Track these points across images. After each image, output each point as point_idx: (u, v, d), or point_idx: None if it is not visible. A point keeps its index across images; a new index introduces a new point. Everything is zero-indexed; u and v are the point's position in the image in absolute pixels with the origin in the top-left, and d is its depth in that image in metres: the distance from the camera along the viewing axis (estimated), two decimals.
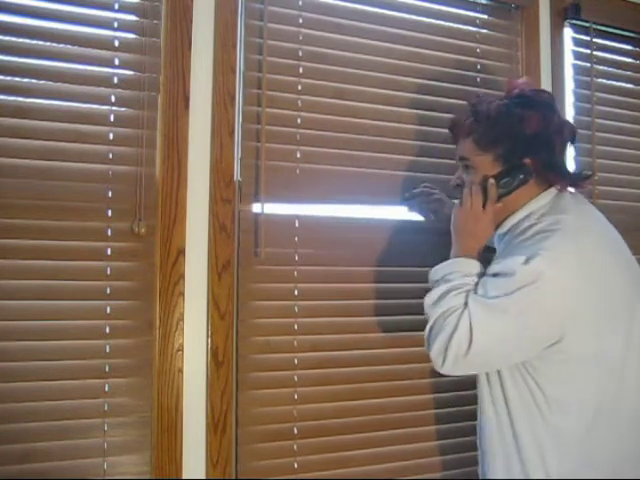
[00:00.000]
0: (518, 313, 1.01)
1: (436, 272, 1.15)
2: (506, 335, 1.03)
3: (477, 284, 1.09)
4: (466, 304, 1.05)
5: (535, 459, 1.06)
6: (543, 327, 1.03)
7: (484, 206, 1.15)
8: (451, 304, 1.06)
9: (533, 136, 1.12)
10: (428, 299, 1.11)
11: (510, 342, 1.04)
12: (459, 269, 1.12)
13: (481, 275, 1.11)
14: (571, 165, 1.26)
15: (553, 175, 1.15)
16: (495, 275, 1.07)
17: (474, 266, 1.12)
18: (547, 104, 1.16)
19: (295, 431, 1.35)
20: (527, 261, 1.01)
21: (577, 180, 1.19)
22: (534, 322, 1.03)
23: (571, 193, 1.19)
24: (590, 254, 1.06)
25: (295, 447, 1.35)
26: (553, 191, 1.16)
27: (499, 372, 1.10)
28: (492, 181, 1.14)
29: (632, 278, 1.14)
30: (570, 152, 1.67)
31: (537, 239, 1.05)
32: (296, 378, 1.36)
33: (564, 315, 1.02)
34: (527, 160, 1.12)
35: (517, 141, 1.12)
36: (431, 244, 1.35)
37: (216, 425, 1.27)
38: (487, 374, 1.13)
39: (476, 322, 1.02)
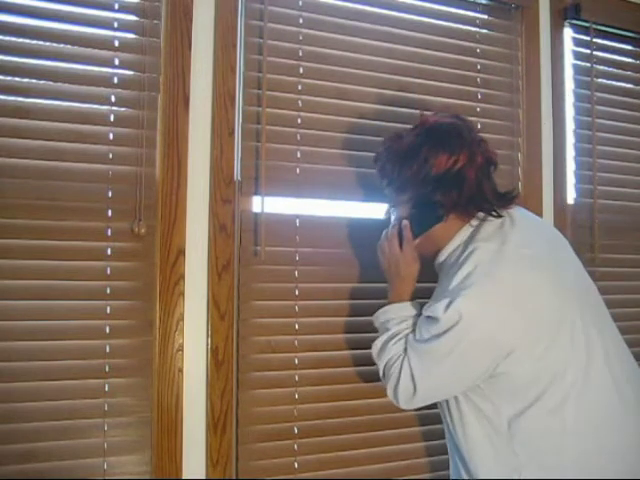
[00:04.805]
0: (450, 353, 1.05)
1: (377, 318, 1.22)
2: (445, 375, 1.09)
3: (415, 324, 1.15)
4: (405, 350, 1.12)
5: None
6: (477, 361, 1.06)
7: (402, 247, 1.20)
8: (392, 353, 1.14)
9: (441, 176, 1.11)
10: (373, 349, 1.19)
11: (450, 379, 1.10)
12: (394, 315, 1.18)
13: (417, 315, 1.17)
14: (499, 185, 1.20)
15: (473, 207, 1.14)
16: (428, 317, 1.10)
17: (407, 309, 1.19)
18: (456, 136, 1.14)
19: (295, 431, 1.35)
20: (448, 306, 1.04)
21: (503, 203, 1.16)
22: (467, 359, 1.06)
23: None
24: (510, 280, 1.06)
25: (295, 447, 1.35)
26: (481, 216, 1.15)
27: (457, 402, 1.13)
28: (405, 222, 1.19)
29: (568, 288, 1.12)
30: (570, 155, 1.70)
31: (457, 277, 1.07)
32: (296, 378, 1.36)
33: (496, 343, 1.04)
34: (439, 198, 1.12)
35: (425, 183, 1.13)
36: None
37: (216, 425, 1.28)
38: (447, 406, 1.16)
39: (415, 369, 1.09)
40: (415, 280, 1.23)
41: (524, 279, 1.08)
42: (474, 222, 1.16)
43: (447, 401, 1.16)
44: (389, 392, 1.15)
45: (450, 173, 1.11)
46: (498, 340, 1.04)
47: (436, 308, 1.06)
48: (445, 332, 1.04)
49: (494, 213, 1.15)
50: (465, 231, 1.16)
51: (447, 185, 1.12)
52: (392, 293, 1.23)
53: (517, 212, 1.20)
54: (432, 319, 1.08)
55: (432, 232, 1.17)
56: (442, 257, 1.19)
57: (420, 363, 1.09)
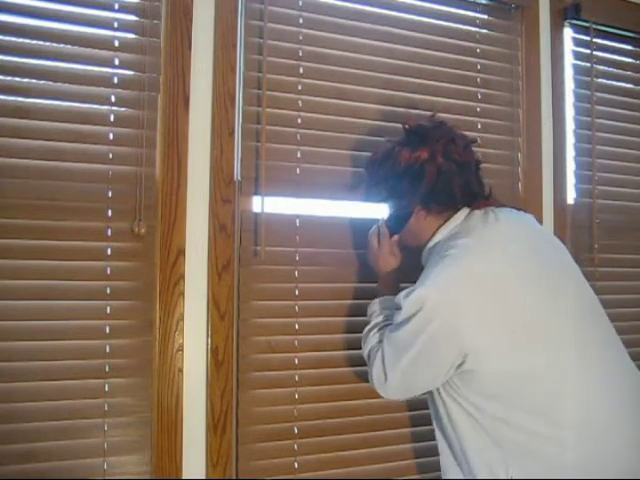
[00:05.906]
0: (413, 342, 1.06)
1: (367, 312, 1.29)
2: (409, 364, 1.09)
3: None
4: (381, 341, 1.16)
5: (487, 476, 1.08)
6: (442, 348, 1.06)
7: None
8: (371, 343, 1.20)
9: (405, 170, 1.18)
10: (362, 339, 1.26)
11: (415, 370, 1.10)
12: (375, 308, 1.26)
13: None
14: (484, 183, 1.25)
15: (435, 202, 1.17)
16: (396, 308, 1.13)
17: (387, 302, 1.24)
18: (420, 135, 1.20)
19: (295, 431, 1.36)
20: (408, 294, 1.07)
21: (469, 201, 1.19)
22: (430, 350, 1.06)
23: (484, 210, 1.18)
24: (479, 272, 1.06)
25: (295, 447, 1.35)
26: (465, 211, 1.19)
27: (442, 399, 1.13)
28: (380, 219, 1.31)
29: (552, 288, 1.11)
30: (570, 155, 1.70)
31: (426, 269, 1.11)
32: (296, 378, 1.36)
33: (458, 334, 1.04)
34: (404, 192, 1.19)
35: (392, 178, 1.21)
36: None
37: (216, 425, 1.28)
38: (433, 402, 1.17)
39: (386, 358, 1.12)
40: (395, 273, 1.28)
41: (496, 273, 1.07)
42: (460, 217, 1.18)
43: (432, 395, 1.16)
44: (369, 378, 1.19)
45: (412, 168, 1.18)
46: (462, 331, 1.04)
47: (399, 297, 1.09)
48: (408, 319, 1.06)
49: (456, 208, 1.19)
50: (446, 228, 1.18)
51: (409, 179, 1.18)
52: (378, 287, 1.32)
53: (504, 212, 1.21)
54: (397, 309, 1.11)
55: (409, 228, 1.23)
56: (424, 253, 1.22)
57: (389, 351, 1.12)
